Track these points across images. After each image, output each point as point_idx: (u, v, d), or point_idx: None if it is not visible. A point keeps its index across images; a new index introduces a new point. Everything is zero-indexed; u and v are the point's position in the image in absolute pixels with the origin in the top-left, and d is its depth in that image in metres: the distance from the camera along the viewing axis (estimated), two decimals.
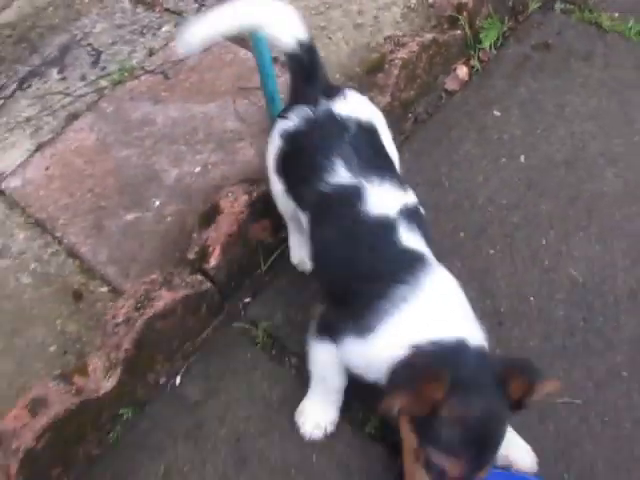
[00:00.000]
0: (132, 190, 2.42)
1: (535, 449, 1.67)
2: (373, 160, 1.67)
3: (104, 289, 2.20)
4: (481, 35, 2.45)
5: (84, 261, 2.28)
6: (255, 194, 2.07)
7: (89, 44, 2.93)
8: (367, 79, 2.35)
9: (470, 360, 1.41)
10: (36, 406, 1.80)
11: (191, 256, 2.05)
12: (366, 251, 1.58)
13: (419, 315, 1.50)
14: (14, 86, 2.85)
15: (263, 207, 2.08)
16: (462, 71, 2.45)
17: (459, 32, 2.41)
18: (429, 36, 2.35)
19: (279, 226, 2.13)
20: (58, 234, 2.36)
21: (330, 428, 1.81)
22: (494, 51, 2.49)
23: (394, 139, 2.23)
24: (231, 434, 1.87)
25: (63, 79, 2.82)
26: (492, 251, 2.04)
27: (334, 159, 1.64)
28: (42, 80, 2.84)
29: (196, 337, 2.02)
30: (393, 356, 1.43)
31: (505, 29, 2.51)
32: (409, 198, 1.66)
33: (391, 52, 2.32)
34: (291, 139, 1.76)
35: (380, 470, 1.74)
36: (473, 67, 2.46)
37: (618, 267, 1.95)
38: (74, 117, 2.68)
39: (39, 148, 2.61)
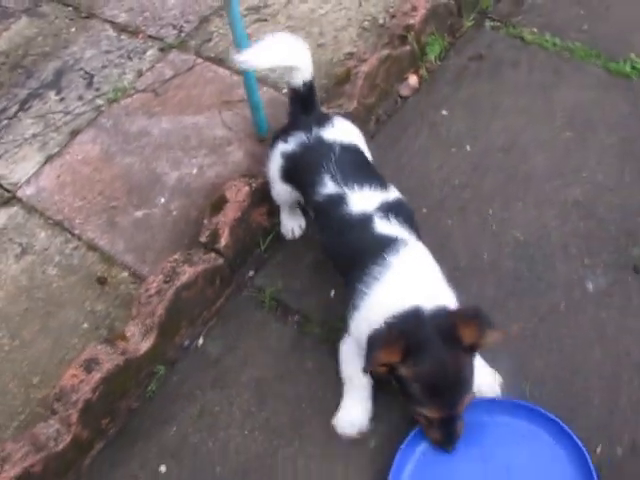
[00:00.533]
0: (138, 191, 2.80)
1: (498, 369, 2.14)
2: (353, 173, 2.11)
3: (125, 274, 2.57)
4: (427, 49, 2.96)
5: (103, 252, 2.64)
6: (254, 186, 2.50)
7: (81, 68, 3.30)
8: (336, 89, 2.82)
9: (424, 324, 1.75)
10: (90, 365, 2.17)
11: (203, 239, 2.46)
12: (351, 241, 2.01)
13: (387, 291, 1.87)
14: (16, 107, 3.20)
15: (261, 196, 2.50)
16: (413, 79, 2.95)
17: (408, 48, 2.91)
18: (385, 52, 2.83)
19: (273, 212, 2.56)
20: (76, 231, 2.72)
21: (364, 428, 2.05)
22: (438, 62, 3.00)
23: None
24: (250, 380, 2.27)
25: (62, 100, 3.19)
26: (450, 221, 2.52)
27: (323, 175, 2.09)
28: (42, 101, 3.19)
29: (213, 305, 2.43)
30: (369, 330, 1.81)
31: (446, 44, 3.03)
32: (390, 195, 2.08)
33: (355, 66, 2.79)
34: (290, 159, 2.24)
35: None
36: (422, 76, 2.96)
37: (551, 227, 2.45)
38: (76, 132, 3.05)
39: (48, 160, 2.97)
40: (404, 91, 2.94)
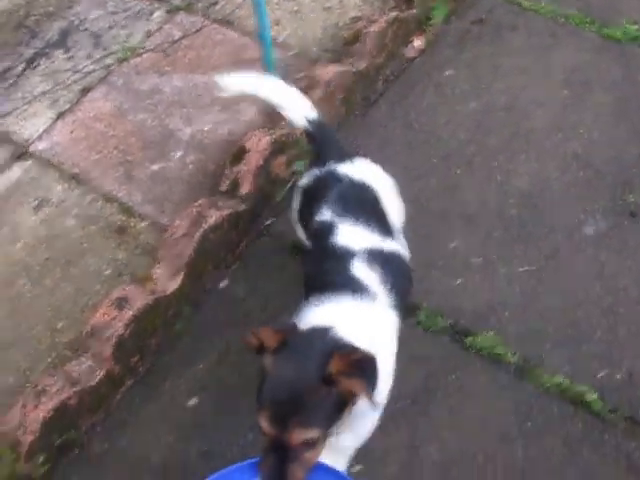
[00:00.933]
0: (154, 146, 2.93)
1: (506, 305, 2.34)
2: (354, 208, 2.02)
3: (144, 223, 2.70)
4: (431, 13, 3.14)
5: (122, 203, 2.77)
6: (274, 136, 2.65)
7: (87, 29, 3.40)
8: (346, 49, 2.98)
9: (316, 340, 1.66)
10: (121, 303, 2.30)
11: (223, 188, 2.61)
12: (324, 270, 1.95)
13: (320, 314, 1.81)
14: (22, 66, 3.28)
15: (280, 147, 2.66)
16: (419, 42, 3.13)
17: (414, 11, 3.09)
18: (393, 14, 3.01)
19: (291, 162, 2.72)
20: (94, 184, 2.84)
21: None
22: (442, 26, 3.18)
23: (369, 98, 2.89)
24: (273, 318, 2.43)
25: (70, 58, 3.28)
26: (458, 171, 2.71)
27: (323, 203, 2.04)
28: (49, 60, 3.28)
29: (236, 248, 2.58)
30: None
31: (449, 9, 3.22)
32: (387, 245, 1.98)
33: (364, 27, 2.96)
34: (305, 193, 2.22)
35: None
36: (427, 38, 3.15)
37: (552, 177, 2.66)
38: (87, 90, 3.15)
39: (60, 116, 3.07)
40: (410, 53, 3.12)
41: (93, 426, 2.34)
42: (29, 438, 2.13)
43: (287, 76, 2.98)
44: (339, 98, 2.86)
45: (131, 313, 2.29)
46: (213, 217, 2.43)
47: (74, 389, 2.22)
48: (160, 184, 2.81)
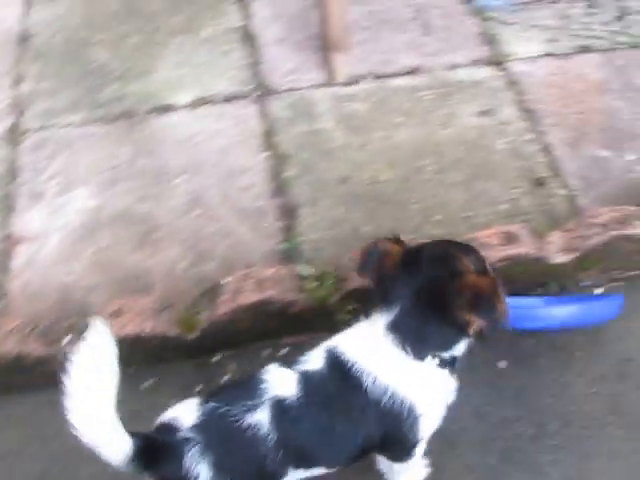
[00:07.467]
0: (613, 133, 2.95)
1: None
2: None
3: (562, 192, 2.77)
4: None
5: (553, 161, 2.85)
6: None
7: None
8: None
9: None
10: (509, 238, 2.43)
11: None
12: None
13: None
14: None
15: None
16: None
17: None
18: None
19: None
20: (541, 129, 2.96)
21: None
22: None
23: None
24: None
25: (588, 14, 3.39)
26: None
27: None
28: (570, 4, 3.42)
29: None
30: None
31: None
32: None
33: None
34: None
35: None
36: None
37: None
38: (585, 50, 3.25)
39: (548, 55, 3.22)
40: None
41: None
42: None
43: None
44: None
45: (514, 252, 2.40)
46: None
47: None
48: (597, 170, 2.85)
